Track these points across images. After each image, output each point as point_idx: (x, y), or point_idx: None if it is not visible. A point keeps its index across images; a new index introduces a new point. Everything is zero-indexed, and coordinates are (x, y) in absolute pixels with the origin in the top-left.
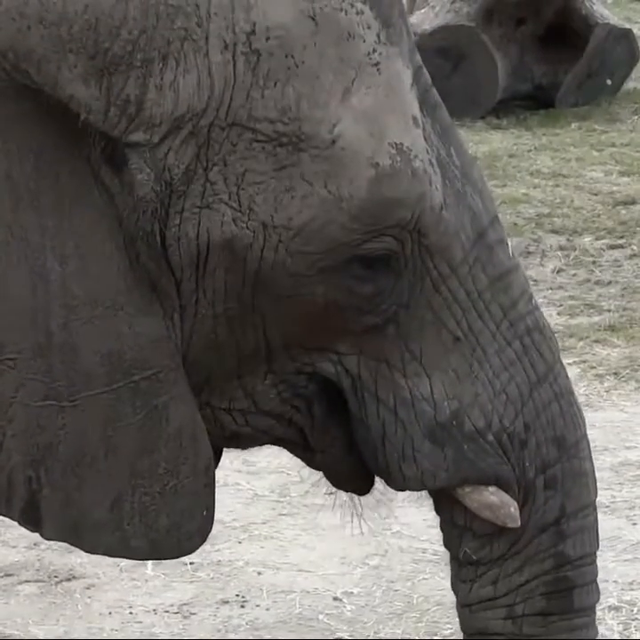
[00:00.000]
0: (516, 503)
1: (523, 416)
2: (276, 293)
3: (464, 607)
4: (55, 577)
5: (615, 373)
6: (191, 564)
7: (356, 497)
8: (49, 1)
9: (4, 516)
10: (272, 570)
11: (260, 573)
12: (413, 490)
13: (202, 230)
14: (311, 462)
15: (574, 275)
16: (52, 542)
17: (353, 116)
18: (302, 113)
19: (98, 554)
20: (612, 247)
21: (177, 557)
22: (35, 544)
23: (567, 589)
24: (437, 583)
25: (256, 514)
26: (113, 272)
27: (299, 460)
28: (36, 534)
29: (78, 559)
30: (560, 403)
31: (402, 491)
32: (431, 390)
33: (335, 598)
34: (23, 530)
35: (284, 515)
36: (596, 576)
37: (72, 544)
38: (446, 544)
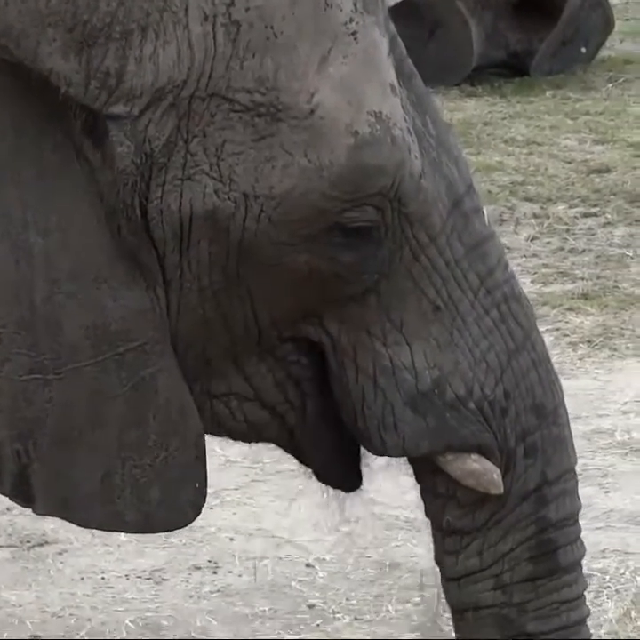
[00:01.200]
0: (498, 470)
1: (502, 384)
2: (259, 263)
3: (451, 581)
4: (27, 542)
5: (588, 341)
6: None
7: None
8: None
9: None
10: (244, 536)
11: (232, 539)
12: (394, 456)
13: (184, 202)
14: (300, 459)
15: (548, 243)
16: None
17: (331, 85)
18: (280, 83)
19: (90, 528)
20: (586, 215)
21: (169, 530)
22: (7, 509)
23: (552, 551)
24: (410, 550)
25: (228, 480)
26: (95, 246)
27: None
28: (8, 499)
29: (51, 525)
30: (538, 370)
31: (381, 456)
32: (412, 359)
33: (307, 565)
34: None
35: (256, 481)
36: (580, 533)
37: (64, 519)
38: (428, 514)
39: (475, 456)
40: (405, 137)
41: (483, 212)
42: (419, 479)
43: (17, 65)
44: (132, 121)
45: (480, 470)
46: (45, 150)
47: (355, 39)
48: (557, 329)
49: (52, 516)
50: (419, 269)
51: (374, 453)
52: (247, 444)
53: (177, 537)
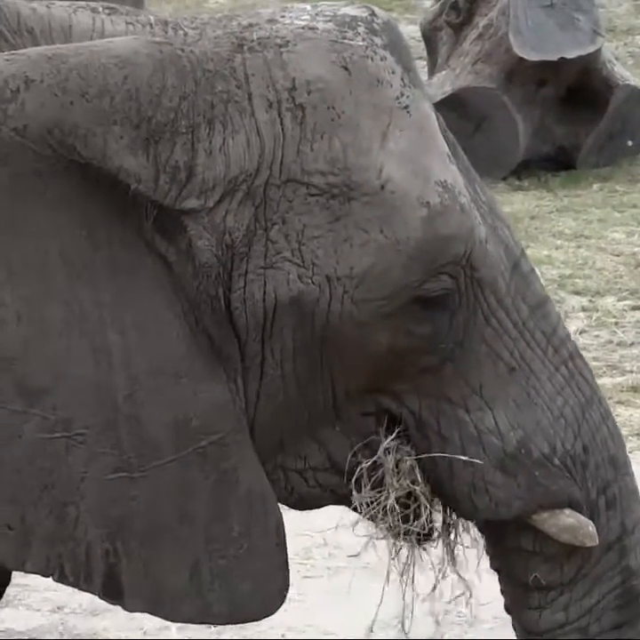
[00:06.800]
0: (592, 523)
1: (581, 438)
2: (342, 344)
3: (534, 634)
4: None
5: (638, 434)
6: (215, 626)
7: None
8: (89, 74)
9: (83, 590)
10: (296, 632)
11: (283, 636)
12: (486, 519)
13: (268, 290)
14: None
15: (597, 336)
16: (75, 606)
17: (395, 159)
18: (350, 162)
19: (180, 622)
20: (635, 308)
21: (258, 620)
22: (58, 608)
23: (634, 598)
24: None
25: None
26: (173, 340)
27: (322, 524)
28: (60, 597)
29: (102, 622)
30: (607, 424)
31: (471, 520)
32: (496, 422)
33: None
34: (47, 594)
35: (308, 577)
36: None
37: (153, 614)
38: (510, 571)
39: (567, 511)
40: (470, 204)
41: (536, 274)
42: (501, 539)
43: (85, 165)
44: (208, 213)
45: (576, 525)
46: (117, 248)
47: (408, 112)
48: None
49: (141, 611)
50: (491, 333)
51: (464, 518)
52: (297, 540)
53: (228, 634)
